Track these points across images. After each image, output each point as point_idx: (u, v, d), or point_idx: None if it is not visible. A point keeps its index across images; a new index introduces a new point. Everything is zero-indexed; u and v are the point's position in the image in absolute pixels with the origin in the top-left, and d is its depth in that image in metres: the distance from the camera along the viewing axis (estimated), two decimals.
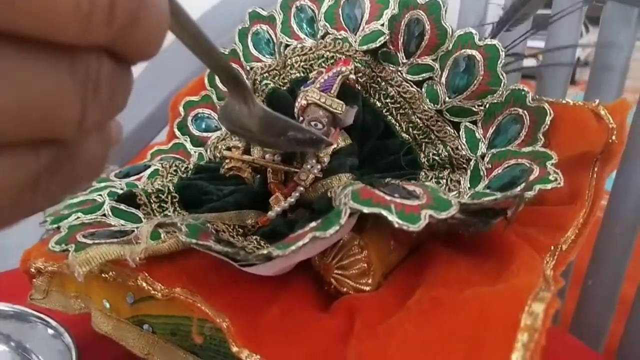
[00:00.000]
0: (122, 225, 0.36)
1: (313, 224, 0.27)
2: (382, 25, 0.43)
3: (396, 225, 0.26)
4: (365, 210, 0.26)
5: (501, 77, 0.39)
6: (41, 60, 0.12)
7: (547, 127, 0.37)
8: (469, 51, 0.40)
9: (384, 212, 0.26)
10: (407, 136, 0.42)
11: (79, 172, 0.15)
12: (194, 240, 0.28)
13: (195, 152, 0.50)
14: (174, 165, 0.45)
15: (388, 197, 0.27)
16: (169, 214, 0.38)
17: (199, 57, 0.23)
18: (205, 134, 0.50)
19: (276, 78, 0.47)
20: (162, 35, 0.15)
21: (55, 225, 0.35)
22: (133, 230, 0.35)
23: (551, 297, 0.24)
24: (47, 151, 0.14)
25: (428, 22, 0.42)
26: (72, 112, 0.13)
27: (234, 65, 0.50)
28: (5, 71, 0.11)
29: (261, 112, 0.30)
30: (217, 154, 0.48)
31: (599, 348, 0.56)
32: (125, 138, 0.75)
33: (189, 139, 0.50)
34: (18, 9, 0.11)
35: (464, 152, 0.39)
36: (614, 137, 0.36)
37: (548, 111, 0.37)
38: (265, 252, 0.27)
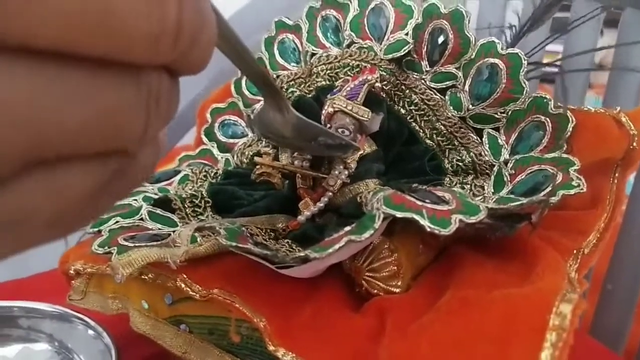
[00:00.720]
0: (159, 229, 0.37)
1: (348, 228, 0.28)
2: (407, 34, 0.44)
3: (428, 230, 0.27)
4: (399, 214, 0.27)
5: (523, 84, 0.40)
6: (113, 78, 0.13)
7: (569, 133, 0.38)
8: (491, 60, 0.41)
9: (416, 217, 0.27)
10: (431, 142, 0.43)
11: (136, 178, 0.16)
12: (233, 243, 0.30)
13: (222, 157, 0.51)
14: (203, 170, 0.47)
15: (419, 203, 0.29)
16: (202, 218, 0.40)
17: (237, 65, 0.25)
18: (232, 140, 0.52)
19: (302, 86, 0.49)
20: (212, 51, 0.16)
21: (96, 229, 0.37)
22: (169, 234, 0.36)
23: (578, 299, 0.25)
24: (113, 161, 0.15)
25: (451, 32, 0.43)
26: (137, 126, 0.14)
27: None
28: (83, 90, 0.13)
29: (295, 119, 0.32)
30: (244, 160, 0.49)
31: (619, 350, 0.57)
32: None
33: (215, 145, 0.52)
34: (96, 35, 0.12)
35: (487, 158, 0.41)
36: (634, 144, 0.37)
37: (570, 118, 0.38)
38: (302, 254, 0.28)
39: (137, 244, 0.34)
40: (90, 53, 0.12)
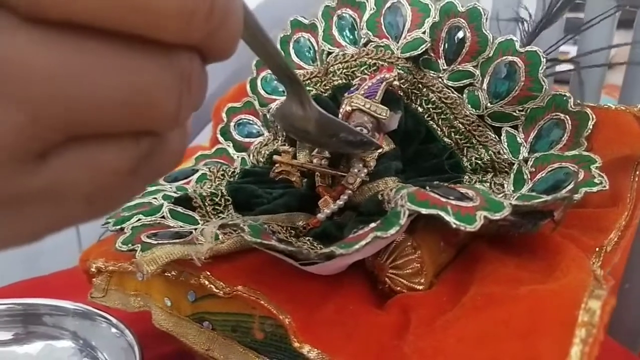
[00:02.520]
0: (181, 226, 0.38)
1: (373, 224, 0.28)
2: (424, 33, 0.44)
3: (453, 226, 0.27)
4: (424, 211, 0.27)
5: (542, 82, 0.40)
6: (147, 57, 0.14)
7: (589, 131, 0.38)
8: (510, 57, 0.41)
9: (442, 214, 0.27)
10: (449, 141, 0.43)
11: (166, 161, 0.17)
12: (258, 240, 0.30)
13: (238, 157, 0.51)
14: (221, 169, 0.47)
15: (444, 199, 0.29)
16: (223, 216, 0.40)
17: (260, 56, 0.25)
18: (247, 140, 0.52)
19: (318, 85, 0.49)
20: (239, 38, 0.16)
21: (118, 227, 0.37)
22: (191, 232, 0.37)
23: (606, 295, 0.25)
24: (145, 141, 0.15)
25: (469, 30, 0.43)
26: (170, 106, 0.15)
27: None
28: (119, 66, 0.13)
29: (317, 114, 0.32)
30: (260, 159, 0.50)
31: (637, 349, 0.56)
32: None
33: (231, 144, 0.52)
34: (131, 10, 0.12)
35: (505, 156, 0.41)
36: None
37: (590, 116, 0.38)
38: (327, 250, 0.28)
39: (160, 242, 0.34)
40: (126, 29, 0.13)
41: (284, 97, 0.50)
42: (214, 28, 0.14)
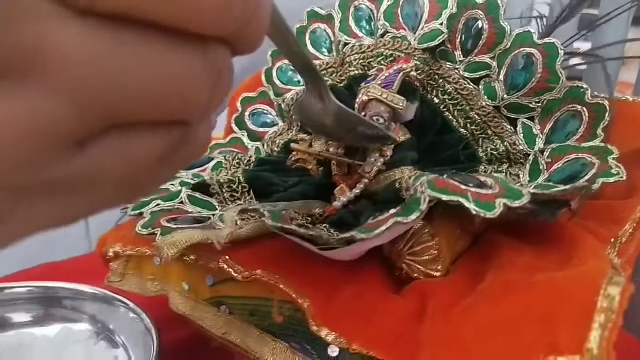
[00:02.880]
0: (199, 212, 0.38)
1: (393, 210, 0.29)
2: (441, 24, 0.45)
3: (474, 213, 0.27)
4: (445, 198, 0.28)
5: (560, 74, 0.40)
6: (185, 50, 0.14)
7: (606, 123, 0.38)
8: (527, 49, 0.41)
9: (462, 200, 0.27)
10: (465, 132, 0.43)
11: (193, 151, 0.17)
12: (279, 225, 0.30)
13: (252, 146, 0.52)
14: (236, 158, 0.47)
15: (464, 187, 0.29)
16: (241, 202, 0.40)
17: (280, 48, 0.25)
18: (262, 129, 0.52)
19: (334, 75, 0.49)
20: (265, 32, 0.17)
21: (137, 212, 0.38)
22: (209, 217, 0.37)
23: (625, 282, 0.26)
24: (177, 131, 0.16)
25: (486, 22, 0.43)
26: (201, 98, 0.15)
27: None
28: (159, 59, 0.13)
29: (335, 108, 0.32)
30: (275, 149, 0.50)
31: None
32: None
33: (246, 134, 0.52)
34: (172, 3, 0.13)
35: (521, 147, 0.41)
36: None
37: (608, 107, 0.38)
38: (348, 235, 0.28)
39: (180, 226, 0.35)
40: (167, 22, 0.13)
41: (300, 88, 0.51)
42: (247, 21, 0.15)
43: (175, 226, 0.35)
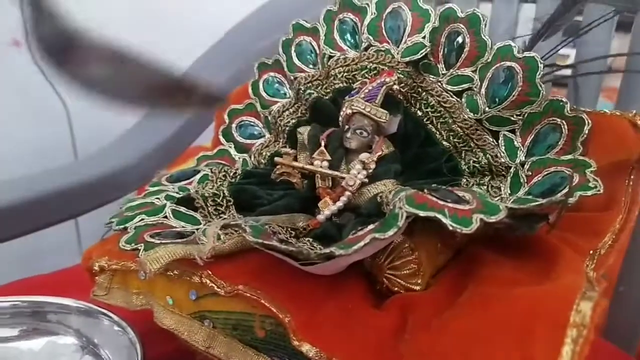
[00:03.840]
0: (183, 226, 0.38)
1: (371, 226, 0.29)
2: (424, 37, 0.45)
3: (450, 229, 0.28)
4: (422, 214, 0.28)
5: (540, 87, 0.40)
6: None
7: (585, 136, 0.38)
8: (508, 63, 0.42)
9: (439, 216, 0.28)
10: (448, 144, 0.44)
11: None
12: (259, 240, 0.30)
13: (239, 158, 0.52)
14: (222, 170, 0.48)
15: (441, 202, 0.29)
16: (225, 216, 0.40)
17: None
18: (249, 141, 0.53)
19: (319, 88, 0.50)
20: None
21: (122, 227, 0.38)
22: (193, 232, 0.37)
23: (597, 297, 0.26)
24: None
25: (468, 35, 0.43)
26: None
27: (277, 75, 0.52)
28: None
29: None
30: (262, 161, 0.50)
31: (631, 351, 0.57)
32: (167, 139, 0.78)
33: (233, 146, 0.53)
34: None
35: (503, 160, 0.41)
36: None
37: (586, 121, 0.38)
38: (327, 251, 0.29)
39: (163, 241, 0.35)
40: None
41: (285, 100, 0.51)
42: None
43: (159, 241, 0.35)
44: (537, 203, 0.32)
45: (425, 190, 0.32)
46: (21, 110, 1.01)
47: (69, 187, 0.68)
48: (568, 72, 0.61)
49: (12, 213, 0.62)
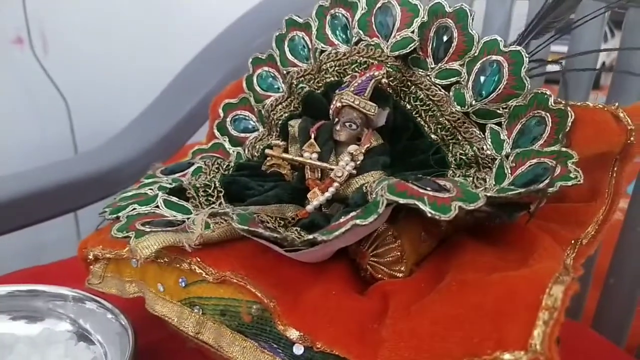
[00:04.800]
0: (174, 216, 0.39)
1: (353, 213, 0.30)
2: (413, 32, 0.46)
3: (429, 215, 0.29)
4: (401, 201, 0.29)
5: (525, 81, 0.41)
6: None
7: (568, 128, 0.39)
8: (494, 57, 0.42)
9: (418, 203, 0.29)
10: (436, 137, 0.44)
11: None
12: (245, 227, 0.31)
13: (233, 151, 0.53)
14: (215, 163, 0.49)
15: (421, 190, 0.30)
16: (215, 207, 0.41)
17: None
18: (243, 135, 0.53)
19: (311, 82, 0.50)
20: None
21: (114, 216, 0.39)
22: (184, 221, 0.38)
23: (570, 281, 0.27)
24: None
25: (456, 30, 0.44)
26: None
27: (271, 69, 0.53)
28: None
29: None
30: (255, 154, 0.51)
31: (621, 343, 0.58)
32: (164, 136, 0.79)
33: (227, 139, 0.54)
34: None
35: (489, 152, 0.42)
36: (632, 139, 0.39)
37: (569, 113, 0.39)
38: (310, 237, 0.30)
39: (153, 229, 0.36)
40: None
41: (279, 94, 0.52)
42: None
43: (149, 229, 0.36)
44: (516, 192, 0.32)
45: (409, 180, 0.33)
46: (23, 107, 1.03)
47: (68, 181, 0.69)
48: (558, 68, 0.62)
49: (14, 206, 0.63)
